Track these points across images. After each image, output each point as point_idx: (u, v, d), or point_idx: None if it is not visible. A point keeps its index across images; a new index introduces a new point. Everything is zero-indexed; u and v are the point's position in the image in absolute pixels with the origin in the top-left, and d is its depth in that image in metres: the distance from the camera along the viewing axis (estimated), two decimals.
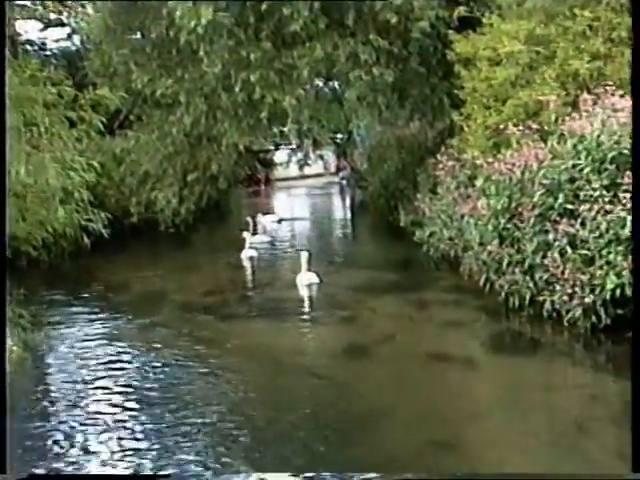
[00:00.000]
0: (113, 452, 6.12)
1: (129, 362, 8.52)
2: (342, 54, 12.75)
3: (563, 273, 8.26)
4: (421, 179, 14.60)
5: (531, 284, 8.91)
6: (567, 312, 8.32)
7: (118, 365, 8.37)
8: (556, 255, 8.42)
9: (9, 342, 7.37)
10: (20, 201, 9.00)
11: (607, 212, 8.00)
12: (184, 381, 7.73)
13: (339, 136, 22.60)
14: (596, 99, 9.02)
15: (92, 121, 10.11)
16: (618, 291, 7.70)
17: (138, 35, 15.89)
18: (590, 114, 8.91)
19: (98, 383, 7.80)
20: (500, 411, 6.75)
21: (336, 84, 15.26)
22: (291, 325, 9.86)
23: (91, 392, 7.56)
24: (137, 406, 7.13)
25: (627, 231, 7.58)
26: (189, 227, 16.88)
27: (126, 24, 15.53)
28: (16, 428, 5.98)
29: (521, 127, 9.85)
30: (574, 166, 8.61)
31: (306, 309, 11.01)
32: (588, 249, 8.14)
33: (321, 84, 15.34)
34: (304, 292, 11.61)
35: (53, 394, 7.64)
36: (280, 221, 20.53)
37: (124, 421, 6.75)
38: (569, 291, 8.18)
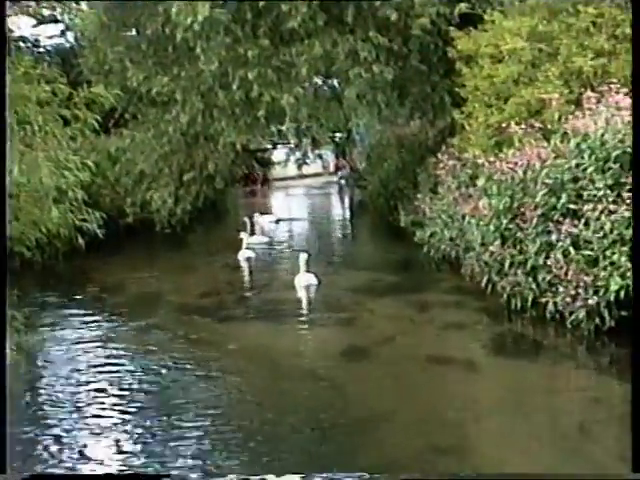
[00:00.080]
0: (107, 457, 6.11)
1: (124, 365, 8.49)
2: (341, 51, 12.75)
3: (566, 274, 8.26)
4: (421, 178, 14.60)
5: (533, 285, 8.91)
6: (570, 314, 8.31)
7: (113, 368, 8.35)
8: (559, 256, 8.41)
9: None
10: (13, 201, 8.99)
11: (611, 212, 7.99)
12: (180, 385, 7.72)
13: (338, 135, 22.60)
14: (600, 97, 9.02)
15: (87, 119, 10.08)
16: (622, 292, 7.69)
17: (133, 32, 15.89)
18: (594, 112, 8.91)
19: (92, 387, 7.79)
20: (502, 415, 6.73)
21: (335, 82, 15.26)
22: (289, 327, 9.85)
23: (85, 396, 7.54)
24: (132, 410, 7.11)
25: (631, 231, 7.57)
26: (185, 227, 16.87)
27: (121, 21, 15.53)
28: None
29: (523, 126, 9.85)
30: (577, 165, 8.61)
31: (304, 311, 11.00)
32: (592, 250, 8.13)
33: (320, 82, 15.34)
34: (302, 293, 11.60)
35: (46, 397, 7.60)
36: (278, 221, 20.53)
37: (118, 425, 6.73)
38: (572, 292, 8.18)
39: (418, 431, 6.30)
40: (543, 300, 8.72)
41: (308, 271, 11.79)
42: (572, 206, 8.50)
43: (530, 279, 8.94)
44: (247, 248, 14.78)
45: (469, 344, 8.63)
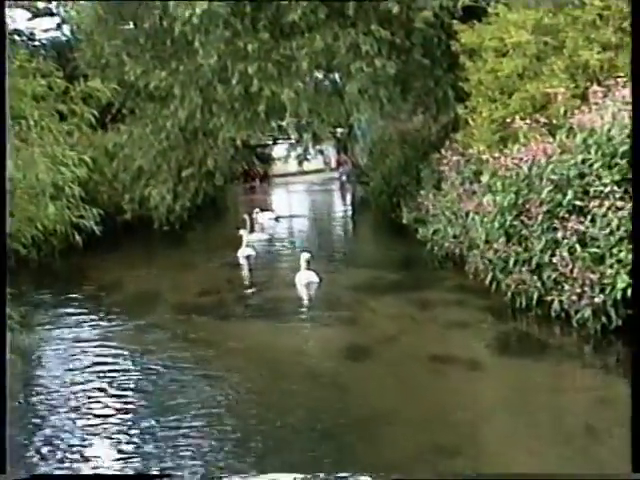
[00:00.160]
0: (102, 458, 6.11)
1: (122, 365, 8.49)
2: (343, 45, 12.72)
3: (572, 272, 8.24)
4: (424, 175, 14.59)
5: (539, 283, 8.89)
6: (576, 312, 8.30)
7: (110, 368, 8.35)
8: (565, 253, 8.40)
9: None
10: (8, 197, 8.98)
11: (618, 209, 7.97)
12: (179, 385, 7.71)
13: (339, 130, 22.56)
14: (607, 91, 9.00)
15: (83, 114, 10.08)
16: (629, 290, 7.67)
17: (131, 25, 15.87)
18: (600, 107, 8.89)
19: (88, 387, 7.78)
20: (507, 415, 6.73)
21: (336, 76, 15.22)
22: (290, 326, 9.85)
23: (82, 396, 7.54)
24: (129, 411, 7.11)
25: (632, 231, 7.55)
26: (184, 225, 16.87)
27: (118, 14, 15.53)
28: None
29: (528, 121, 9.84)
30: (584, 161, 8.59)
31: (305, 309, 10.99)
32: (598, 247, 8.11)
33: (321, 76, 15.30)
34: (303, 292, 11.60)
35: (41, 398, 7.59)
36: (277, 219, 20.53)
37: (114, 426, 6.72)
38: (578, 291, 8.16)
39: (421, 431, 6.29)
40: (548, 298, 8.71)
41: (309, 269, 11.79)
42: (578, 202, 8.48)
43: (535, 277, 8.93)
44: (247, 246, 14.78)
45: (473, 343, 8.62)
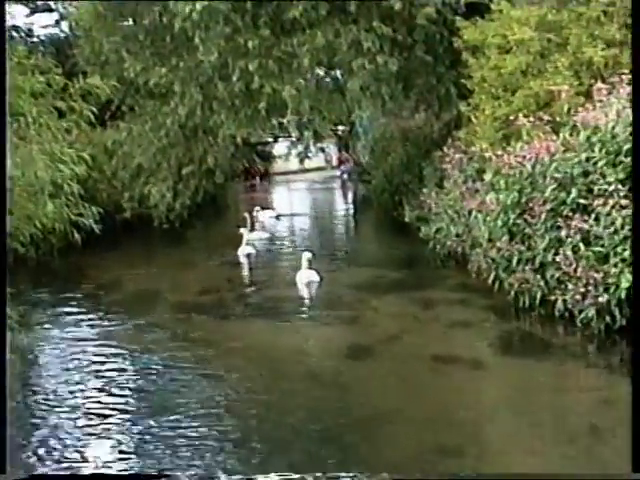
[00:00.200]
0: (101, 459, 6.12)
1: (121, 365, 8.49)
2: (344, 42, 12.71)
3: (576, 271, 8.23)
4: (427, 173, 14.60)
5: (542, 283, 8.89)
6: (580, 312, 8.28)
7: (109, 367, 8.35)
8: (568, 252, 8.39)
9: None
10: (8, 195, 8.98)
11: (622, 207, 7.95)
12: (179, 385, 7.71)
13: (341, 128, 22.64)
14: (611, 88, 8.99)
15: (82, 111, 10.07)
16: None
17: (130, 21, 15.87)
18: (605, 104, 8.89)
19: (87, 387, 7.78)
20: (510, 415, 6.73)
21: (338, 73, 15.22)
22: (291, 325, 9.85)
23: (81, 396, 7.53)
24: (128, 411, 7.10)
25: (632, 231, 7.54)
26: (184, 223, 16.85)
27: (117, 10, 15.52)
28: None
29: (532, 118, 9.83)
30: (588, 159, 8.58)
31: (306, 308, 10.99)
32: (602, 246, 8.11)
33: (322, 73, 15.31)
34: (304, 290, 11.60)
35: (39, 398, 7.59)
36: (278, 217, 20.54)
37: (113, 427, 6.71)
38: (582, 290, 8.15)
39: (424, 431, 6.28)
40: (552, 298, 8.70)
41: (310, 268, 11.79)
42: (582, 201, 8.47)
43: (538, 276, 8.92)
44: (247, 244, 14.78)
45: (476, 343, 8.61)
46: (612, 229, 8.02)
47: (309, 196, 28.91)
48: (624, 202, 7.95)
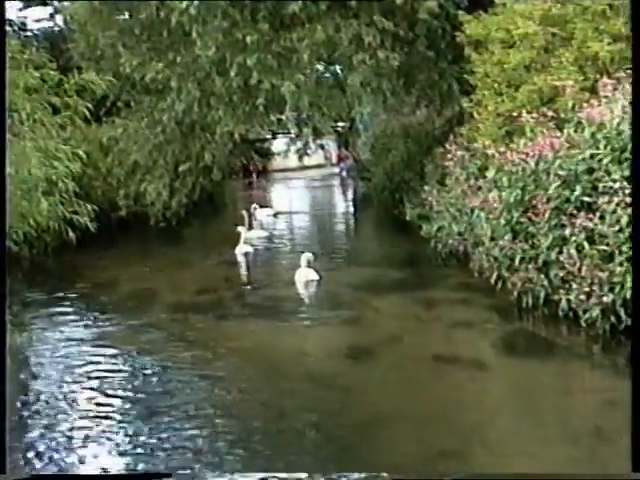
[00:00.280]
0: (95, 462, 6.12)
1: (116, 366, 8.48)
2: (344, 36, 12.69)
3: (580, 270, 8.22)
4: (428, 170, 14.59)
5: (546, 282, 8.88)
6: (584, 312, 8.28)
7: (104, 368, 8.35)
8: (573, 251, 8.38)
9: None
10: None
11: (628, 205, 7.95)
12: (175, 386, 7.70)
13: (341, 124, 22.58)
14: (617, 84, 8.98)
15: (77, 107, 10.11)
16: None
17: (126, 15, 15.85)
18: (610, 100, 8.88)
19: (81, 390, 7.77)
20: (513, 417, 6.73)
21: (338, 69, 15.22)
22: (290, 325, 9.84)
23: (75, 398, 7.53)
24: (124, 413, 7.10)
25: (632, 231, 7.54)
26: (181, 221, 16.86)
27: (113, 4, 15.49)
28: None
29: (535, 114, 9.83)
30: (592, 156, 8.58)
31: (305, 308, 10.99)
32: (607, 245, 8.09)
33: (322, 69, 15.30)
34: (303, 290, 11.60)
35: (32, 401, 7.58)
36: (276, 215, 20.54)
37: (107, 432, 6.70)
38: (586, 289, 8.14)
39: (426, 434, 6.28)
40: (556, 297, 8.70)
41: (309, 267, 11.79)
42: (587, 199, 8.47)
43: (542, 275, 8.92)
44: (245, 243, 14.78)
45: (478, 343, 8.62)
46: (617, 227, 8.01)
47: (308, 194, 28.91)
48: (629, 200, 7.95)
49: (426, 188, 13.89)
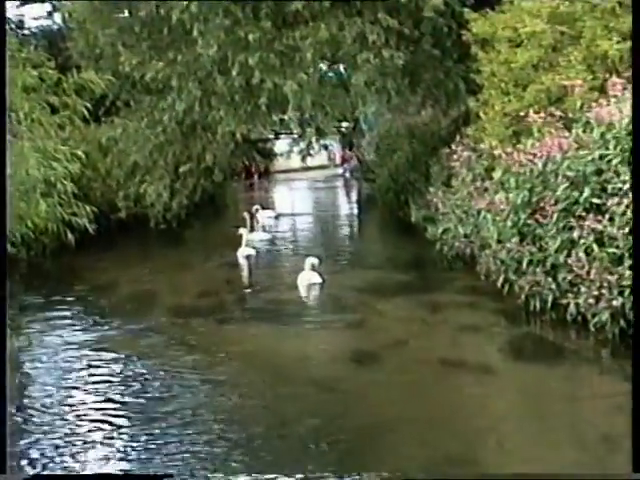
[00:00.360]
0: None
1: (115, 372, 8.48)
2: (348, 35, 12.70)
3: (589, 273, 8.21)
4: (434, 171, 14.59)
5: (554, 285, 8.88)
6: (593, 316, 8.27)
7: (102, 373, 8.35)
8: (581, 254, 8.37)
9: None
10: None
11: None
12: (176, 392, 7.70)
13: (345, 124, 22.56)
14: (626, 83, 8.95)
15: (76, 107, 10.12)
16: None
17: (126, 13, 15.86)
18: (619, 100, 8.87)
19: (80, 396, 7.76)
20: (521, 423, 6.72)
21: (342, 68, 15.23)
22: (293, 329, 9.84)
23: (73, 404, 7.52)
24: (123, 420, 7.09)
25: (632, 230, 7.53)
26: (181, 223, 16.86)
27: (112, 1, 15.50)
28: None
29: (543, 114, 9.82)
30: (601, 157, 8.57)
31: (309, 312, 10.99)
32: (617, 247, 8.08)
33: (325, 68, 15.31)
34: (306, 293, 11.60)
35: (30, 407, 7.58)
36: (278, 217, 20.53)
37: (108, 439, 6.70)
38: (595, 293, 8.14)
39: (432, 440, 6.28)
40: (564, 301, 8.69)
41: (313, 269, 11.79)
42: (596, 200, 8.46)
43: (550, 279, 8.92)
44: (247, 245, 14.79)
45: (485, 347, 8.62)
46: (627, 229, 7.99)
47: (311, 195, 28.92)
48: None
49: (431, 189, 13.90)
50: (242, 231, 15.01)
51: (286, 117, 15.46)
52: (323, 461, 6.10)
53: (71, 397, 7.70)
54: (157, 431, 6.69)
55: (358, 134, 24.37)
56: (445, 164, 13.63)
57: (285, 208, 23.84)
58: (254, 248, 14.98)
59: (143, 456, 6.26)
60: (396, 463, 5.92)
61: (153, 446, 6.40)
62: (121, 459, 6.24)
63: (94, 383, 8.04)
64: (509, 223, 9.53)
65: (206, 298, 11.52)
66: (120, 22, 15.67)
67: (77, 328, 10.32)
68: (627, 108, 8.63)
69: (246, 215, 16.63)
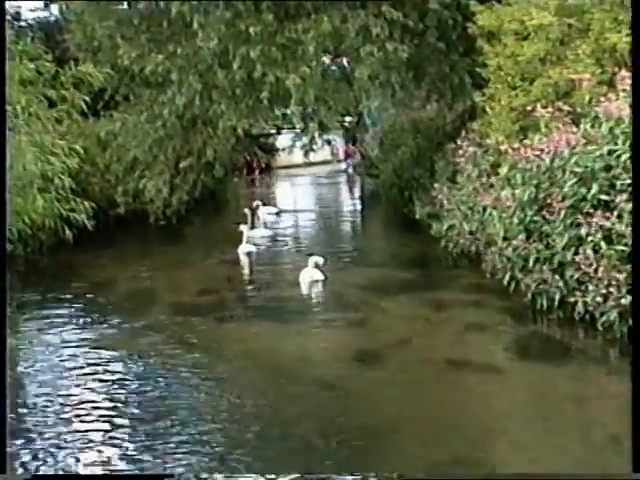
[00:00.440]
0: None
1: (114, 371, 8.47)
2: (352, 28, 12.70)
3: (597, 271, 8.21)
4: (439, 167, 14.59)
5: (561, 283, 8.87)
6: (601, 315, 8.27)
7: (101, 372, 8.34)
8: (589, 251, 8.37)
9: None
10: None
11: None
12: (176, 393, 7.70)
13: (348, 119, 22.59)
14: None
15: (74, 100, 10.11)
16: None
17: (124, 5, 15.87)
18: (629, 94, 8.84)
19: (79, 394, 7.76)
20: (528, 424, 6.72)
21: (345, 61, 15.22)
22: (295, 328, 9.84)
23: (71, 405, 7.52)
24: (122, 421, 7.09)
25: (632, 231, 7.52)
26: (181, 219, 16.87)
27: None
28: None
29: (551, 109, 9.81)
30: (610, 152, 8.56)
31: (311, 310, 10.99)
32: (625, 244, 8.07)
33: (328, 61, 15.30)
34: (308, 291, 11.60)
35: (27, 408, 7.59)
36: (279, 213, 20.52)
37: (107, 440, 6.69)
38: (603, 291, 8.13)
39: (437, 442, 6.27)
40: (571, 299, 8.68)
41: (315, 267, 11.79)
42: (604, 197, 8.45)
43: (557, 276, 8.91)
44: (248, 242, 14.79)
45: (491, 347, 8.61)
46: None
47: (314, 191, 28.91)
48: None
49: (436, 185, 13.89)
50: (243, 228, 15.01)
51: (288, 111, 15.47)
52: (323, 461, 6.10)
53: (70, 396, 7.70)
54: (157, 430, 6.70)
55: (362, 129, 24.37)
56: (450, 160, 13.63)
57: (287, 204, 23.85)
58: (255, 245, 14.98)
59: (143, 455, 6.27)
60: (400, 463, 5.92)
61: (153, 445, 6.40)
62: (121, 459, 6.25)
63: (92, 382, 8.04)
64: (515, 220, 9.52)
65: (207, 296, 11.51)
66: (119, 14, 15.68)
67: (75, 326, 10.32)
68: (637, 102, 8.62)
69: (247, 211, 16.63)
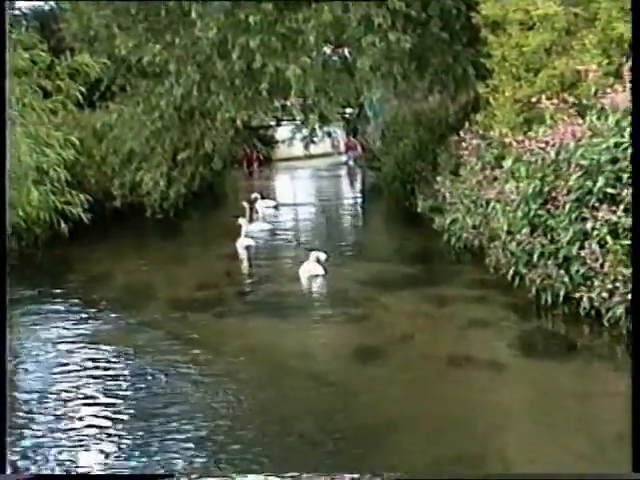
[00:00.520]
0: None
1: (109, 367, 8.47)
2: (353, 17, 12.66)
3: (603, 266, 8.21)
4: (441, 159, 14.58)
5: (566, 278, 8.86)
6: (607, 311, 8.26)
7: (97, 369, 8.35)
8: (595, 246, 8.36)
9: None
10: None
11: None
12: (174, 390, 7.70)
13: (349, 111, 22.59)
14: None
15: (69, 91, 10.09)
16: None
17: None
18: None
19: (76, 392, 7.77)
20: (532, 422, 6.72)
21: (346, 52, 15.19)
22: (294, 324, 9.83)
23: (67, 402, 7.52)
24: (119, 419, 7.09)
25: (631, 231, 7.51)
26: (179, 213, 16.87)
27: None
28: None
29: (556, 100, 9.79)
30: (616, 145, 8.55)
31: (311, 305, 10.99)
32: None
33: (329, 51, 15.27)
34: (308, 285, 11.60)
35: (23, 405, 7.59)
36: (277, 207, 20.50)
37: (102, 438, 6.70)
38: (609, 287, 8.13)
39: (439, 440, 6.27)
40: (576, 295, 8.68)
41: (316, 261, 11.79)
42: (610, 190, 8.44)
43: (562, 271, 8.90)
44: (246, 236, 14.77)
45: (494, 343, 8.61)
46: None
47: (314, 184, 28.88)
48: None
49: (439, 178, 13.88)
50: (241, 221, 15.00)
51: (288, 103, 15.48)
52: (323, 460, 6.10)
53: (65, 391, 7.71)
54: (156, 428, 6.70)
55: (363, 121, 24.38)
56: (453, 152, 13.62)
57: (287, 197, 23.84)
58: (254, 239, 14.97)
59: (142, 455, 6.27)
60: (401, 461, 5.92)
61: (152, 444, 6.41)
62: (119, 457, 6.26)
63: (87, 377, 8.05)
64: (519, 214, 9.52)
65: (205, 290, 11.51)
66: (115, 3, 15.63)
67: (70, 321, 10.32)
68: None
69: (245, 205, 16.62)
